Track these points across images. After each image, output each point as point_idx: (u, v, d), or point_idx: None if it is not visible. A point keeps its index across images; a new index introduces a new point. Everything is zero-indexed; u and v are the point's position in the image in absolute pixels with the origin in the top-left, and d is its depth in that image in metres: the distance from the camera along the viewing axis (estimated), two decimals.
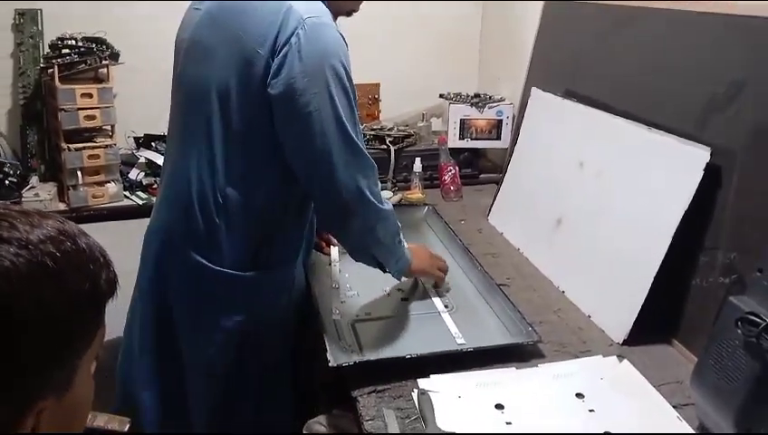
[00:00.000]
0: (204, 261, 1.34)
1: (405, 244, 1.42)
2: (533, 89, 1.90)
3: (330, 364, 1.16)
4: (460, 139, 2.29)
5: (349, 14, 1.41)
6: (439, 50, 2.62)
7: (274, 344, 1.44)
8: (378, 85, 2.59)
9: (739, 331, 0.93)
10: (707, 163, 1.21)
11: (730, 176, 1.22)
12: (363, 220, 1.29)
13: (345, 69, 1.21)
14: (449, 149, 2.24)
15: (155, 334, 1.46)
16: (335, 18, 1.35)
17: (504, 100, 2.30)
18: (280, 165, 1.26)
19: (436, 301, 1.46)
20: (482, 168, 2.37)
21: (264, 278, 1.38)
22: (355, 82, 2.73)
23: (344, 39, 1.23)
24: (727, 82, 1.24)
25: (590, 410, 1.09)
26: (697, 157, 1.22)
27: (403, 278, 1.47)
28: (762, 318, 0.89)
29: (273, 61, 1.17)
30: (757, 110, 1.18)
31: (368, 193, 1.26)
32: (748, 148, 1.19)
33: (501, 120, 2.27)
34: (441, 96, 2.40)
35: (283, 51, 1.16)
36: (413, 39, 2.59)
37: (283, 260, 1.41)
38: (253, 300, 1.38)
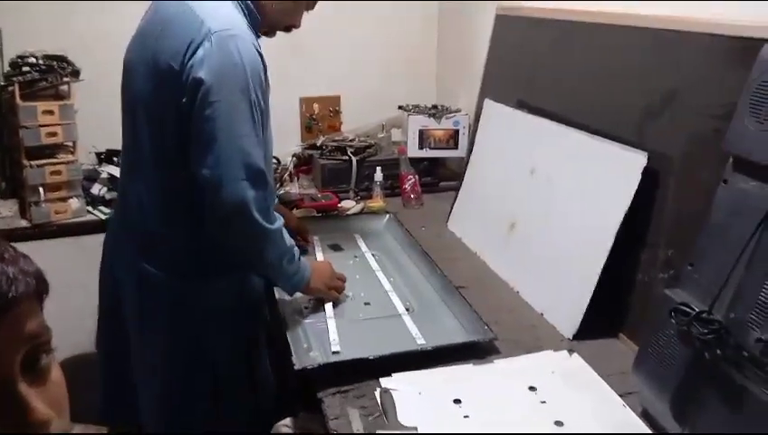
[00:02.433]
0: (148, 267, 1.38)
1: (300, 262, 1.41)
2: (486, 100, 1.98)
3: (295, 367, 1.21)
4: (419, 148, 2.36)
5: (288, 29, 1.46)
6: (398, 64, 2.70)
7: (225, 348, 1.46)
8: (338, 98, 2.66)
9: (673, 321, 1.00)
10: (645, 167, 1.29)
11: (666, 179, 1.31)
12: (245, 237, 1.30)
13: (249, 81, 1.24)
14: (409, 158, 2.31)
15: (110, 342, 1.51)
16: (272, 33, 1.42)
17: (460, 110, 2.38)
18: None
19: (397, 304, 1.51)
20: (441, 176, 2.44)
21: (208, 283, 1.41)
22: (317, 94, 2.79)
23: (260, 53, 1.28)
24: (661, 92, 1.34)
25: (542, 402, 1.16)
26: (636, 162, 1.31)
27: (297, 293, 1.46)
28: (692, 308, 0.97)
29: (183, 74, 1.23)
30: (687, 117, 1.27)
31: (253, 209, 1.25)
32: (682, 153, 1.28)
33: (458, 130, 2.35)
34: (400, 108, 2.47)
35: (190, 62, 1.22)
36: (373, 53, 2.66)
37: (231, 266, 1.42)
38: (197, 305, 1.40)
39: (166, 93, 1.26)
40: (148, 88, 1.31)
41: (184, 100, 1.23)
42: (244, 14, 1.32)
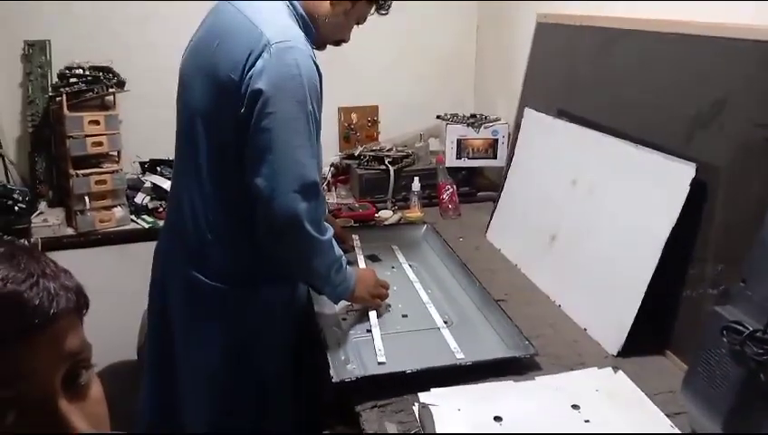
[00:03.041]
0: (199, 275, 1.40)
1: (347, 271, 1.41)
2: (526, 109, 1.95)
3: (333, 380, 1.20)
4: (457, 158, 2.35)
5: (338, 43, 1.47)
6: (436, 73, 2.69)
7: (271, 359, 1.47)
8: (376, 107, 2.66)
9: (725, 339, 0.96)
10: (693, 179, 1.25)
11: (715, 191, 1.26)
12: (297, 247, 1.30)
13: (306, 93, 1.24)
14: (447, 168, 2.29)
15: (157, 349, 1.52)
16: (322, 46, 1.42)
17: (499, 119, 2.36)
18: None
19: (436, 317, 1.49)
20: (479, 186, 2.42)
21: (258, 293, 1.42)
22: (355, 104, 2.79)
23: (317, 65, 1.28)
24: (710, 101, 1.29)
25: (586, 421, 1.13)
26: (684, 173, 1.27)
27: (340, 304, 1.48)
28: (745, 326, 0.93)
29: (242, 85, 1.24)
30: (737, 127, 1.23)
31: (305, 220, 1.25)
32: (731, 163, 1.24)
33: (497, 140, 2.32)
34: (438, 117, 2.45)
35: (249, 73, 1.23)
36: (411, 63, 2.66)
37: (278, 275, 1.42)
38: (246, 314, 1.42)
39: (225, 104, 1.27)
40: (206, 99, 1.32)
41: (242, 110, 1.24)
42: (300, 25, 1.33)
